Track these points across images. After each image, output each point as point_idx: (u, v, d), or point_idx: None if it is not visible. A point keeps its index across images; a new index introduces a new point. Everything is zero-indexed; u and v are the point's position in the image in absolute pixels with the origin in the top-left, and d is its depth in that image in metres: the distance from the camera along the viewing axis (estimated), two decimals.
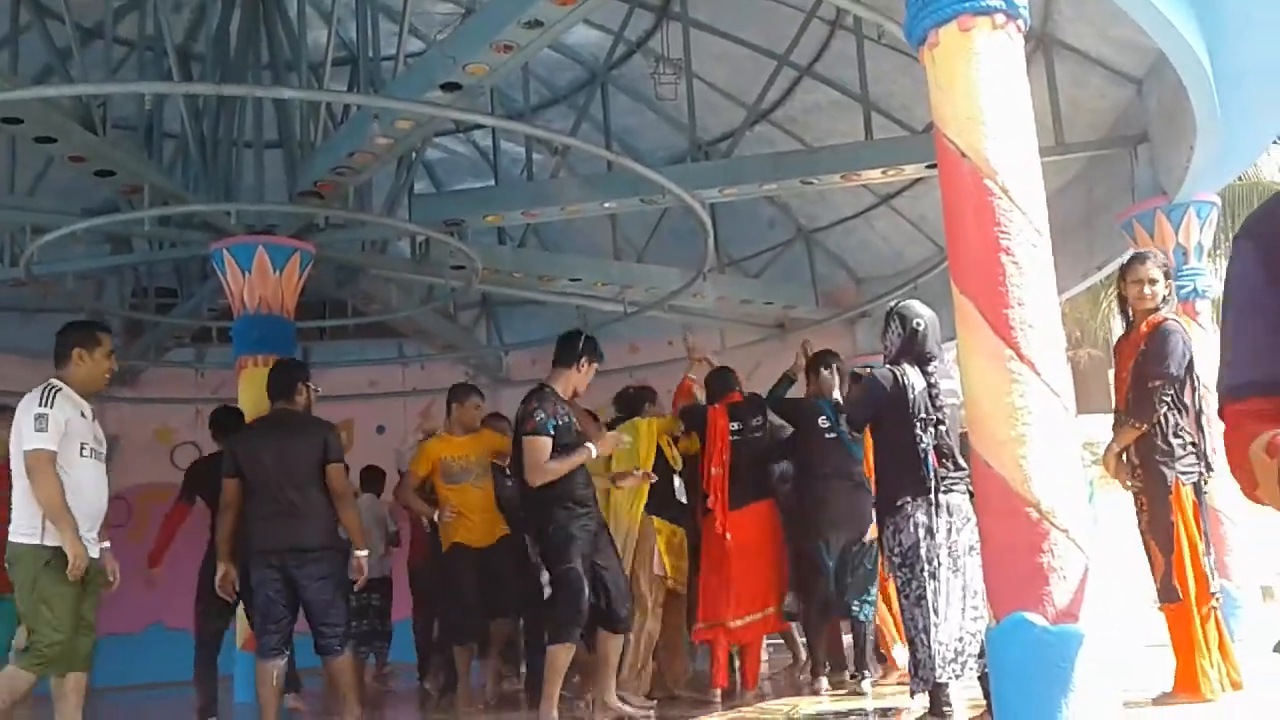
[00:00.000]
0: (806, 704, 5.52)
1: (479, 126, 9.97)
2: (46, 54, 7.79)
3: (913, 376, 4.60)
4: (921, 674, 4.41)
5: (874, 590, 5.96)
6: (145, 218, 7.70)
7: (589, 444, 5.19)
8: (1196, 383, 4.67)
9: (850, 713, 5.16)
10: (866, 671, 5.88)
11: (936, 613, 4.36)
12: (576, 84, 10.27)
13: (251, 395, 7.19)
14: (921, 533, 4.44)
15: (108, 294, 11.38)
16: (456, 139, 11.22)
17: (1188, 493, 4.54)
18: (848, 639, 6.47)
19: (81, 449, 4.43)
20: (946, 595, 4.37)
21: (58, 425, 4.34)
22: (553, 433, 5.05)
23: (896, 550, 4.52)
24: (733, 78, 9.32)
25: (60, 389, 4.45)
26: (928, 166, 7.33)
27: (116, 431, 11.22)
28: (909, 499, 4.48)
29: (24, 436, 4.33)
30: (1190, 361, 4.61)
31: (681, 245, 9.71)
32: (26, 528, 4.33)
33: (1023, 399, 3.52)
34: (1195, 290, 7.40)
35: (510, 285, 10.30)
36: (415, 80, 6.64)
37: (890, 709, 5.32)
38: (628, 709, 5.20)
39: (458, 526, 6.29)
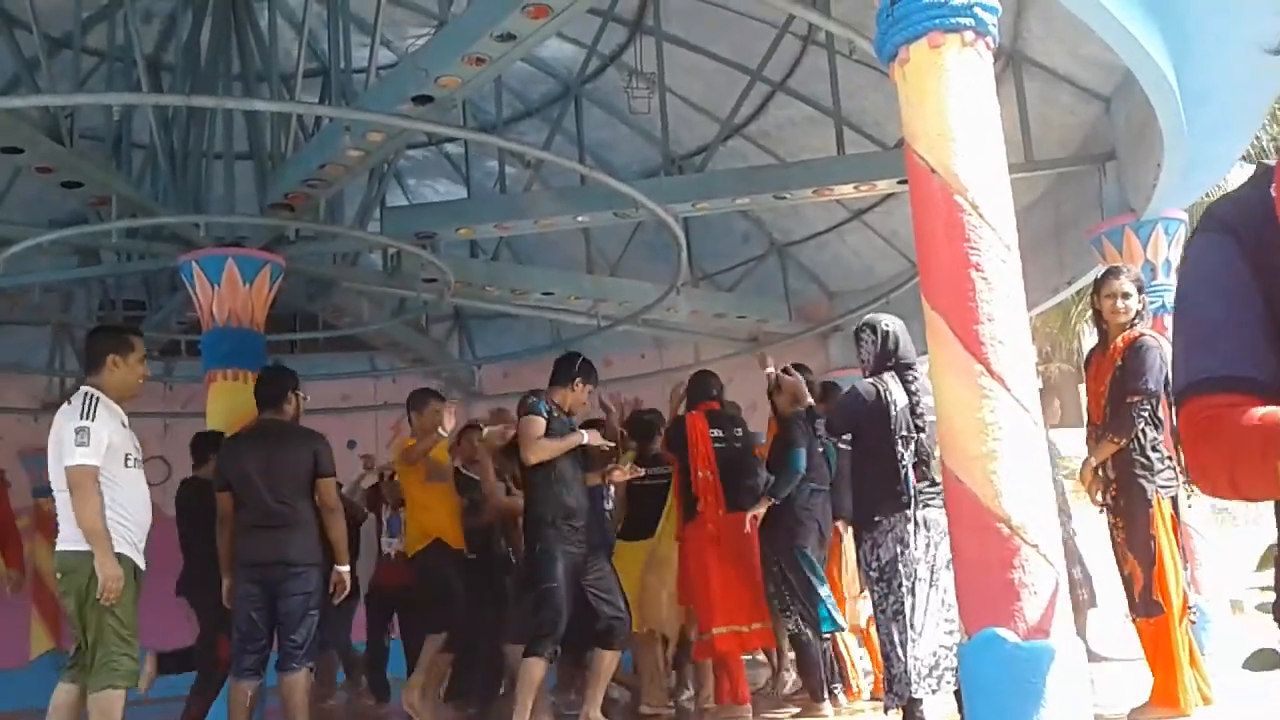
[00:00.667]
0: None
1: (451, 139, 9.93)
2: (13, 64, 7.70)
3: (895, 391, 4.59)
4: (896, 689, 4.40)
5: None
6: (113, 229, 7.62)
7: (582, 431, 5.30)
8: (1170, 398, 4.70)
9: None
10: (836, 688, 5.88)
11: (913, 627, 4.36)
12: (550, 97, 10.26)
13: (220, 409, 7.10)
14: (899, 548, 4.44)
15: (75, 306, 11.26)
16: (429, 151, 11.18)
17: (1166, 506, 4.56)
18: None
19: (125, 460, 4.32)
20: (924, 610, 4.37)
21: (99, 439, 4.21)
22: (545, 415, 5.22)
23: (874, 565, 4.52)
24: (706, 92, 9.34)
25: (100, 398, 4.31)
26: (899, 182, 7.36)
27: None
28: (887, 515, 4.48)
29: (64, 450, 4.20)
30: (1167, 376, 4.64)
31: (655, 259, 9.72)
32: (79, 538, 4.19)
33: (993, 414, 3.53)
34: (1164, 305, 7.44)
35: (483, 299, 10.26)
36: (387, 92, 6.61)
37: None
38: None
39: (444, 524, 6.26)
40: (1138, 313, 4.76)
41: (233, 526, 5.25)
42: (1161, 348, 4.69)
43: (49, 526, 11.16)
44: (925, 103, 3.85)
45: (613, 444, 5.83)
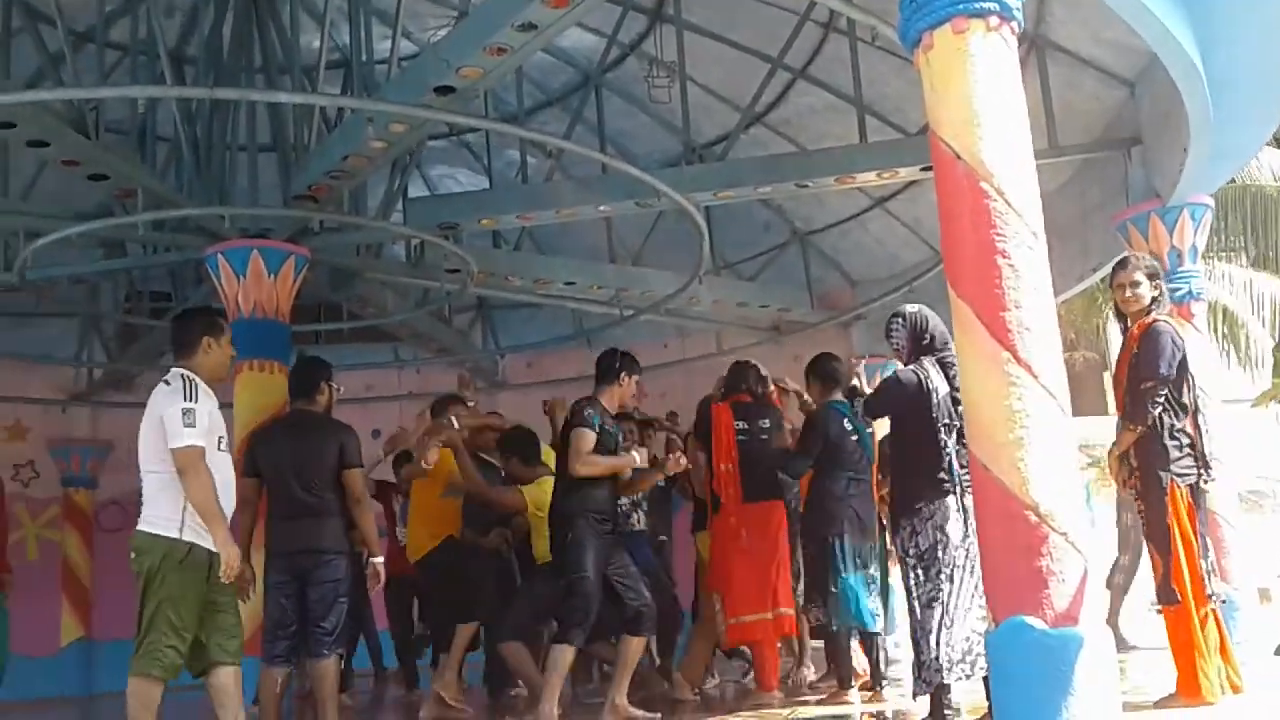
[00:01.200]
0: (805, 710, 5.50)
1: (473, 130, 9.95)
2: (38, 58, 7.76)
3: (936, 379, 4.55)
4: (925, 676, 4.39)
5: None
6: (139, 222, 7.68)
7: (634, 452, 5.49)
8: (1192, 382, 4.66)
9: (846, 717, 5.15)
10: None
11: (949, 615, 4.35)
12: (570, 87, 10.26)
13: (248, 399, 7.17)
14: (939, 535, 4.41)
15: (102, 298, 11.36)
16: (450, 142, 11.20)
17: (1183, 494, 4.53)
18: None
19: (219, 443, 4.31)
20: (959, 597, 4.34)
21: (203, 420, 4.18)
22: (597, 429, 5.27)
23: (913, 552, 4.48)
24: (727, 80, 9.32)
25: (197, 380, 4.28)
26: (922, 169, 7.34)
27: (111, 437, 11.23)
28: (929, 501, 4.45)
29: (171, 431, 4.13)
30: (1184, 360, 4.61)
31: (677, 248, 9.71)
32: (163, 519, 4.13)
33: (1020, 402, 3.52)
34: (1190, 292, 7.40)
35: (505, 289, 10.28)
36: (409, 83, 6.63)
37: (892, 712, 5.30)
38: (638, 713, 5.23)
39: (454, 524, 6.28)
40: (1154, 299, 4.74)
41: (252, 512, 5.25)
42: (1176, 332, 4.66)
43: (78, 517, 11.36)
44: (950, 89, 3.83)
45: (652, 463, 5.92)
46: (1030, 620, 3.38)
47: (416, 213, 8.82)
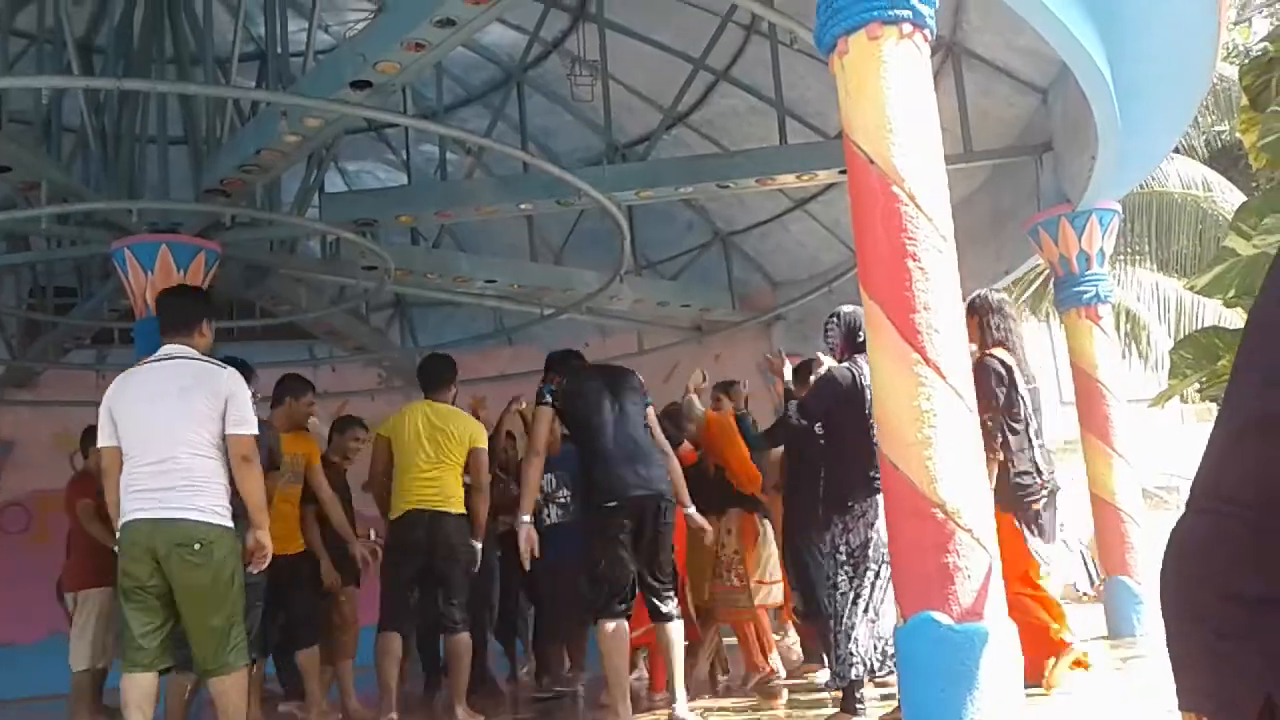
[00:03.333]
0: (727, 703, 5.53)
1: (392, 125, 9.83)
2: None
3: (869, 376, 4.62)
4: (840, 670, 4.45)
5: None
6: (42, 215, 7.44)
7: None
8: (1023, 404, 4.90)
9: (758, 711, 5.18)
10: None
11: (874, 609, 4.42)
12: (492, 84, 10.20)
13: None
14: (870, 533, 4.46)
15: (4, 293, 10.99)
16: (368, 137, 11.06)
17: (1023, 526, 4.79)
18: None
19: None
20: (885, 592, 4.40)
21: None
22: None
23: (843, 549, 4.52)
24: (650, 81, 9.34)
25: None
26: (840, 172, 7.41)
27: (13, 436, 10.88)
28: (860, 499, 4.49)
29: (244, 416, 4.00)
30: (1008, 383, 4.86)
31: (599, 247, 9.70)
32: (221, 508, 3.96)
33: (929, 402, 3.58)
34: (1097, 295, 7.60)
35: (424, 286, 10.18)
36: (325, 77, 6.51)
37: (808, 704, 5.35)
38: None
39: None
40: (982, 332, 4.97)
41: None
42: (996, 362, 4.90)
43: None
44: (863, 94, 3.88)
45: None
46: (937, 615, 3.44)
47: (332, 208, 8.68)
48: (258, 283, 9.66)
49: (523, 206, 8.53)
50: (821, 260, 10.32)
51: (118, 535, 4.00)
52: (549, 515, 6.58)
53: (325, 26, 9.27)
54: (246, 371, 5.39)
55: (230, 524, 3.99)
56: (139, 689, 3.86)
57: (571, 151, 10.18)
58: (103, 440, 3.99)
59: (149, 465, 3.91)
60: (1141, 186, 11.18)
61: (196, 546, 3.88)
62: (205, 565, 3.89)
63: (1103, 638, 7.32)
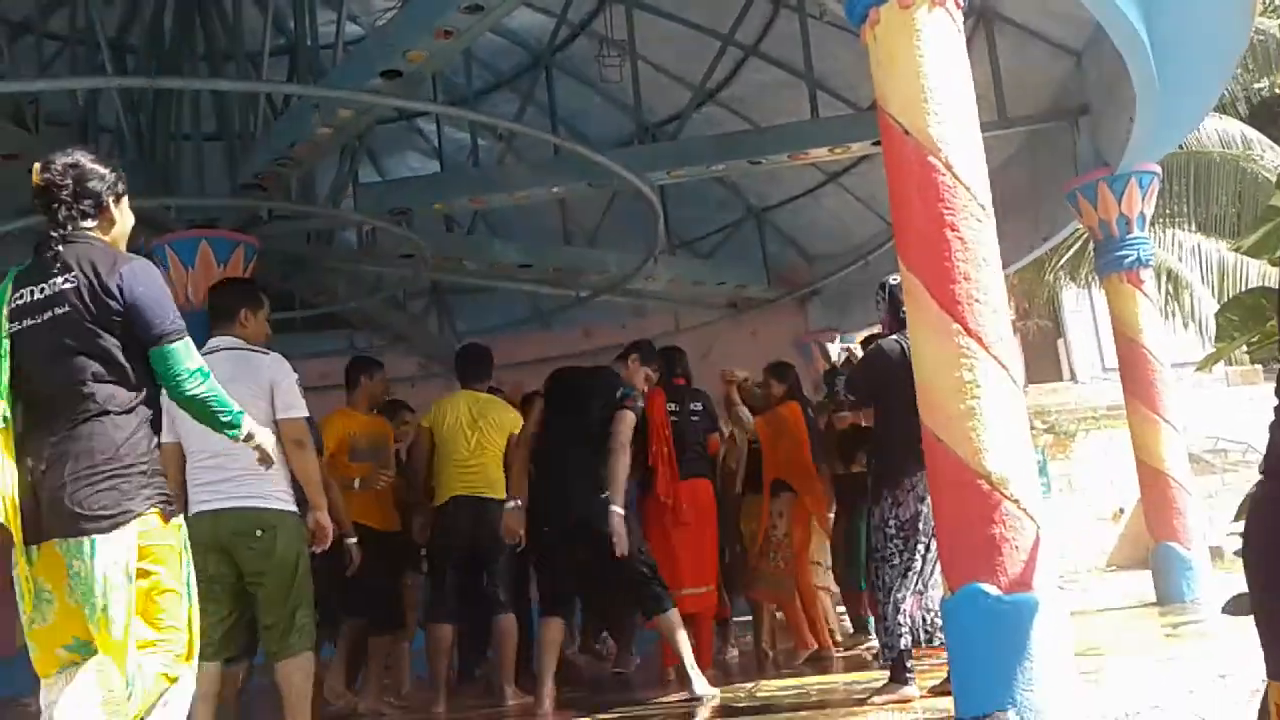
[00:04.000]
0: (769, 683, 5.55)
1: (423, 113, 9.86)
2: None
3: None
4: (889, 642, 4.45)
5: None
6: None
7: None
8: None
9: (815, 687, 5.19)
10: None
11: (923, 582, 4.42)
12: (520, 68, 10.19)
13: None
14: (920, 506, 4.44)
15: None
16: (399, 126, 11.09)
17: None
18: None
19: None
20: (934, 565, 4.38)
21: None
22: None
23: (893, 523, 4.50)
24: (678, 59, 9.29)
25: None
26: (874, 144, 7.36)
27: None
28: (911, 473, 4.46)
29: (291, 401, 4.03)
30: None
31: (632, 228, 9.69)
32: (284, 493, 3.98)
33: (971, 373, 3.56)
34: (1139, 259, 7.51)
35: (460, 273, 10.22)
36: (355, 68, 6.54)
37: (857, 680, 5.35)
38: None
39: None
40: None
41: None
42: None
43: None
44: (896, 64, 3.85)
45: None
46: (985, 586, 3.43)
47: (367, 198, 8.73)
48: (296, 274, 9.74)
49: (555, 190, 8.54)
50: (856, 233, 10.26)
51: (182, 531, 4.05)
52: None
53: (354, 17, 9.30)
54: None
55: (294, 508, 4.01)
56: (206, 679, 3.89)
57: (602, 133, 10.16)
58: (164, 437, 4.05)
59: (208, 459, 3.95)
60: (1179, 146, 11.00)
61: (259, 533, 3.92)
62: (270, 551, 3.92)
63: (1151, 604, 7.27)
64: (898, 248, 3.89)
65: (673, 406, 6.21)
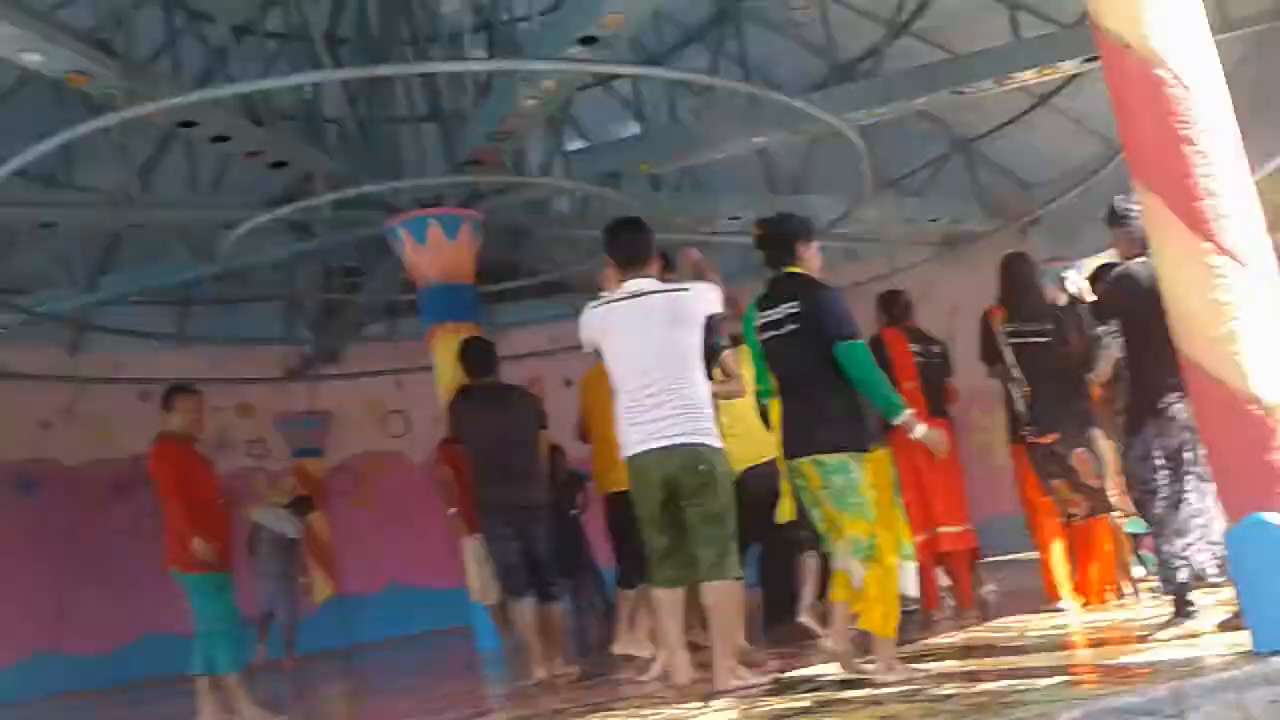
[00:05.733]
0: (1041, 620, 5.39)
1: (618, 76, 9.98)
2: (203, 56, 8.14)
3: None
4: (1165, 575, 4.30)
5: None
6: (321, 204, 8.02)
7: None
8: None
9: (1089, 625, 5.06)
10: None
11: (1199, 514, 4.23)
12: (709, 19, 10.16)
13: (448, 360, 7.34)
14: (1186, 434, 4.26)
15: (298, 279, 11.95)
16: (597, 91, 11.26)
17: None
18: None
19: None
20: (1210, 497, 4.19)
21: None
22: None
23: (1159, 454, 4.31)
24: None
25: None
26: (1085, 61, 7.03)
27: (330, 407, 11.99)
28: (1172, 398, 4.30)
29: (695, 338, 4.25)
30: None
31: (837, 171, 9.57)
32: (714, 432, 4.20)
33: (1228, 293, 3.38)
34: None
35: (671, 230, 10.33)
36: (552, 38, 6.70)
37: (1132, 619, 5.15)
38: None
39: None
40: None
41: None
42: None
43: (311, 484, 11.93)
44: None
45: None
46: (1268, 516, 3.28)
47: (577, 165, 8.94)
48: (520, 244, 10.09)
49: (755, 140, 8.52)
50: (1074, 156, 9.80)
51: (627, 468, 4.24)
52: None
53: None
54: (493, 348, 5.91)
55: (720, 444, 4.22)
56: (668, 602, 4.24)
57: (795, 77, 10.02)
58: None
59: (647, 398, 4.16)
60: None
61: (701, 468, 4.14)
62: (710, 484, 4.16)
63: None
64: (1132, 170, 3.72)
65: (916, 348, 6.18)
